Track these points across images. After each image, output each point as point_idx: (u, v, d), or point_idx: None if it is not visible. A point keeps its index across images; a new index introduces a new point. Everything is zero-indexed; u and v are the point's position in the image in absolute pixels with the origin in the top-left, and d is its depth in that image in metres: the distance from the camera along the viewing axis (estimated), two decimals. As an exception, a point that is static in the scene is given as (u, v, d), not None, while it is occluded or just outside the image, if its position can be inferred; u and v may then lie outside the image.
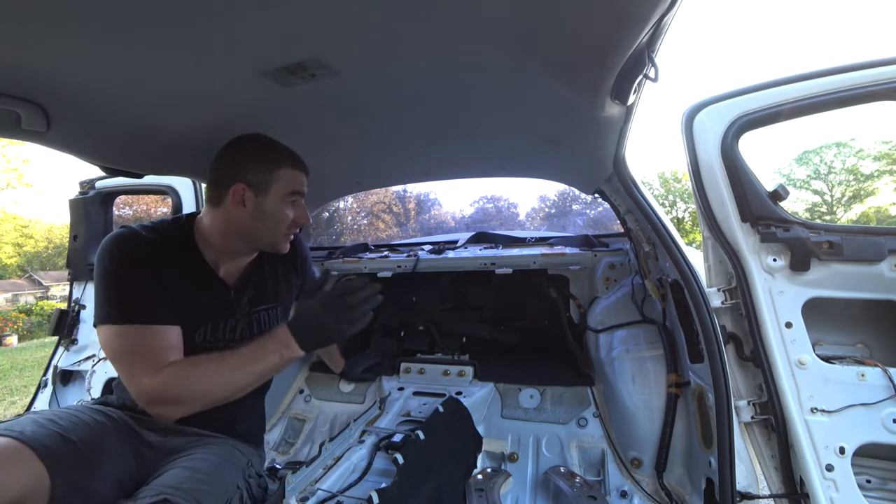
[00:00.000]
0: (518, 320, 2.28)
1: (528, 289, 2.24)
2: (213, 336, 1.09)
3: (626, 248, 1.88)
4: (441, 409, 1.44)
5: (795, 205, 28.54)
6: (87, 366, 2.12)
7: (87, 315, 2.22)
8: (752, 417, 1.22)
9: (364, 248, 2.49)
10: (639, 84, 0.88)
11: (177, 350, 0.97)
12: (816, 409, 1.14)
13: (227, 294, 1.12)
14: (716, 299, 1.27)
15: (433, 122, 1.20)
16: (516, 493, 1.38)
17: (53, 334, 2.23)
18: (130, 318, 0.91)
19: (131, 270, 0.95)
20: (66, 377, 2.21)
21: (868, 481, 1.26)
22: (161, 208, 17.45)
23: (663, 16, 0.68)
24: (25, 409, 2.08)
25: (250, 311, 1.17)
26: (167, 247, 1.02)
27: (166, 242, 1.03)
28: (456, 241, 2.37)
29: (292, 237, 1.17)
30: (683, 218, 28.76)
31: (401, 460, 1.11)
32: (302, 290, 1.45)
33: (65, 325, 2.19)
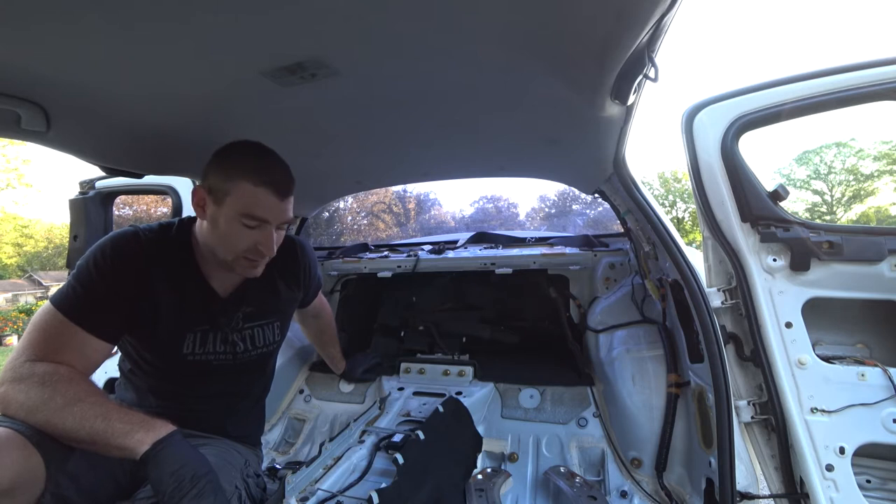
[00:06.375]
0: (518, 320, 2.28)
1: (528, 289, 2.24)
2: (203, 349, 1.07)
3: (626, 248, 1.89)
4: (441, 409, 1.44)
5: (795, 205, 28.54)
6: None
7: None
8: (752, 417, 1.22)
9: (364, 248, 2.49)
10: (639, 84, 0.88)
11: (86, 359, 0.91)
12: (816, 409, 1.14)
13: (216, 306, 1.08)
14: (716, 299, 1.27)
15: (433, 121, 1.20)
16: (516, 493, 1.38)
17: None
18: (68, 311, 0.89)
19: (108, 277, 0.93)
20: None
21: (868, 481, 1.26)
22: (161, 208, 17.43)
23: (663, 16, 0.68)
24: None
25: (243, 326, 1.13)
26: (165, 252, 1.01)
27: (165, 248, 1.02)
28: (456, 241, 2.38)
29: (260, 263, 1.02)
30: (683, 218, 28.75)
31: (401, 460, 1.11)
32: (305, 300, 1.41)
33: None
